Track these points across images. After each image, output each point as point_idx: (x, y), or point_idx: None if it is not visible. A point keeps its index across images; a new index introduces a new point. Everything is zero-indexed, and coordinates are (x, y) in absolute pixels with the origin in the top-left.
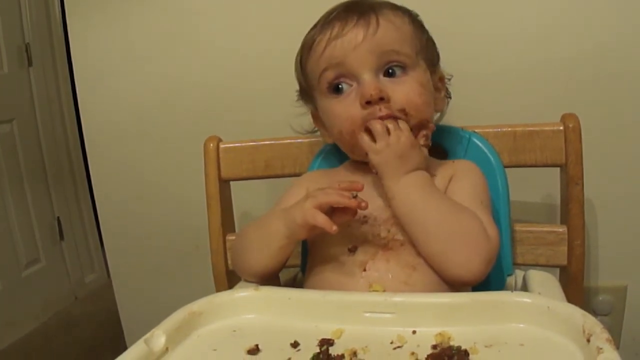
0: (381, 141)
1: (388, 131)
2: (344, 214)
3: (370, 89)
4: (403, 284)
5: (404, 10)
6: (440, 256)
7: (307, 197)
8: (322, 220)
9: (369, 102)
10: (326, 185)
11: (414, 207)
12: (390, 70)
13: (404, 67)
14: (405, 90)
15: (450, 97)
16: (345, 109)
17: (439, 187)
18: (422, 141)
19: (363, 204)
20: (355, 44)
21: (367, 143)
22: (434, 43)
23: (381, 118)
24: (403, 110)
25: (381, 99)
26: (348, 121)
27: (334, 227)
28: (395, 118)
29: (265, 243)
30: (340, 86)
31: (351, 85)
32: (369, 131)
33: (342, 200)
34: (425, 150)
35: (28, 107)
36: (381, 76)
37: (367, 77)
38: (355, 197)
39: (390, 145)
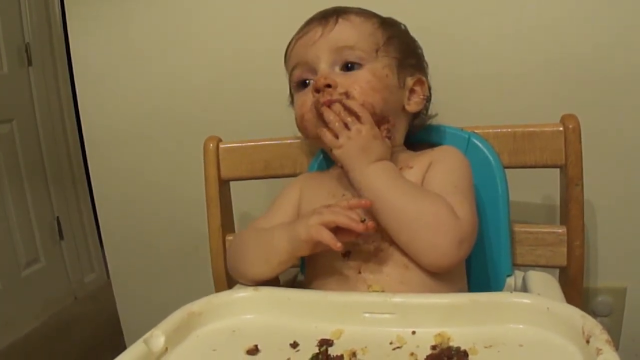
0: (342, 136)
1: (347, 126)
2: (349, 233)
3: (320, 77)
4: (399, 283)
5: (373, 14)
6: (410, 242)
7: (313, 213)
8: (327, 236)
9: (317, 90)
10: (317, 186)
11: (379, 196)
12: (349, 65)
13: (360, 64)
14: (353, 79)
15: (429, 101)
16: (300, 98)
17: (416, 177)
18: (383, 134)
19: (370, 224)
20: (314, 40)
21: (329, 139)
22: (414, 50)
23: (325, 103)
24: (345, 93)
25: (327, 85)
26: (301, 108)
27: (339, 245)
28: (347, 108)
29: (265, 256)
30: (306, 82)
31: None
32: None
33: (350, 223)
34: (389, 142)
35: (28, 107)
36: (337, 69)
37: (321, 68)
38: (363, 221)
39: (352, 138)
